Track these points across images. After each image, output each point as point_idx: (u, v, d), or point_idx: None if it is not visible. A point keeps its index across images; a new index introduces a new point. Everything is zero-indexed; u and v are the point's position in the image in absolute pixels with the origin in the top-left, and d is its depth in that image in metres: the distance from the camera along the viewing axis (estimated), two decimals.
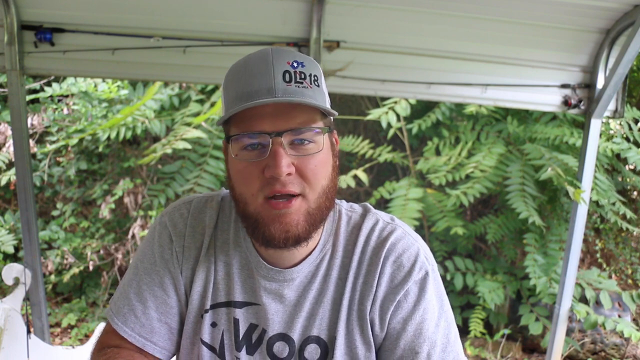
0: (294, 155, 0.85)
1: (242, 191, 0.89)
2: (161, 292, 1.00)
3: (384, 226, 1.00)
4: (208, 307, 0.99)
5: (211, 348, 0.99)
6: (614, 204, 3.43)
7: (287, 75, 0.86)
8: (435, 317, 0.95)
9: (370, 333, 0.95)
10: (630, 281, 4.37)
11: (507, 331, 3.82)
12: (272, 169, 0.83)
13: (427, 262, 0.97)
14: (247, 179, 0.86)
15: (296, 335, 0.96)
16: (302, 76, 0.87)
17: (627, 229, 3.59)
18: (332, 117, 0.94)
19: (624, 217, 3.58)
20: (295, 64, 0.87)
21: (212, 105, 3.56)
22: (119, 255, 4.11)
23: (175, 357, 1.06)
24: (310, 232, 0.89)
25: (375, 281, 0.95)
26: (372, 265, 0.96)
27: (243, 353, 0.97)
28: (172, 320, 1.01)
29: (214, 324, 0.99)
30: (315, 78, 0.89)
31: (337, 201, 1.02)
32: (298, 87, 0.85)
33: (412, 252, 0.97)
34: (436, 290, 0.97)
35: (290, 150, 0.85)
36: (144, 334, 0.99)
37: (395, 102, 3.43)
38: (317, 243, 0.98)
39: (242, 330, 0.98)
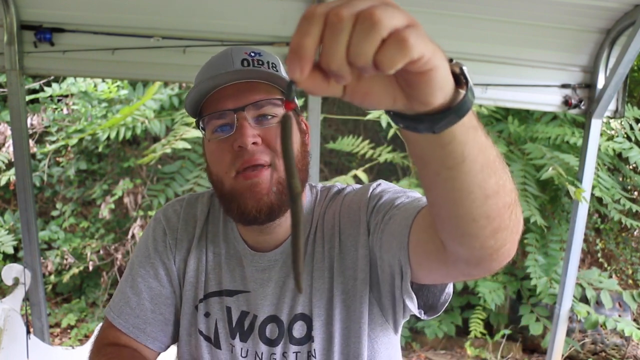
0: (259, 128, 0.91)
1: (216, 170, 0.94)
2: (156, 284, 1.03)
3: (337, 190, 1.04)
4: (202, 296, 1.02)
5: (207, 338, 1.01)
6: (618, 201, 3.43)
7: (245, 62, 0.95)
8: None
9: (356, 297, 0.94)
10: (630, 281, 4.37)
11: (507, 331, 3.82)
12: (239, 139, 0.88)
13: (375, 182, 0.99)
14: (219, 156, 0.92)
15: (284, 315, 0.98)
16: (260, 62, 0.95)
17: (631, 226, 3.58)
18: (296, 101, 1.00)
19: (627, 213, 3.58)
20: (252, 54, 0.96)
21: None
22: (119, 256, 4.11)
23: (176, 352, 1.07)
24: (282, 202, 0.91)
25: (337, 240, 0.96)
26: (333, 229, 0.98)
27: (237, 340, 1.00)
28: (166, 311, 1.04)
29: (207, 314, 1.02)
30: (273, 65, 0.97)
31: (314, 184, 1.08)
32: (256, 70, 0.94)
33: (360, 186, 1.01)
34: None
35: (256, 125, 0.91)
36: (138, 325, 1.02)
37: None
38: None
39: (234, 318, 1.00)
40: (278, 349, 0.97)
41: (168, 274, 1.04)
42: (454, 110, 0.50)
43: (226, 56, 0.96)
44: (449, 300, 0.90)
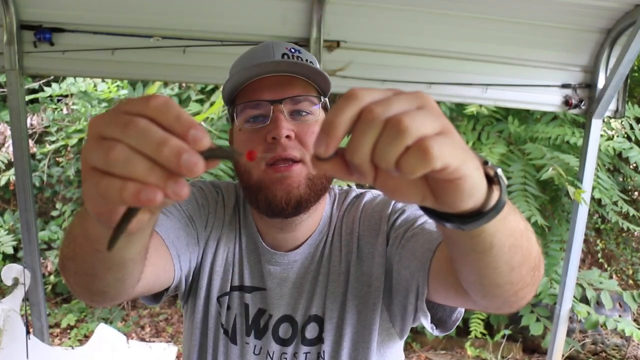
0: (293, 123, 0.90)
1: (245, 160, 0.92)
2: (185, 221, 0.96)
3: (356, 195, 1.04)
4: (228, 289, 1.00)
5: (225, 332, 1.01)
6: (615, 203, 3.42)
7: (285, 57, 0.95)
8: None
9: (369, 304, 0.94)
10: (631, 281, 4.37)
11: (507, 332, 3.82)
12: (274, 131, 0.87)
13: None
14: (250, 146, 0.90)
15: (299, 316, 0.98)
16: (300, 59, 0.95)
17: (629, 229, 3.58)
18: (327, 101, 0.99)
19: (625, 216, 3.57)
20: (293, 50, 0.97)
21: (212, 104, 3.55)
22: None
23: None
24: (310, 197, 0.91)
25: (355, 245, 0.96)
26: (351, 234, 0.98)
27: (252, 338, 0.99)
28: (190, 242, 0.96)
29: (228, 307, 1.00)
30: (312, 63, 0.96)
31: (332, 186, 1.07)
32: (299, 63, 0.94)
33: (381, 197, 0.99)
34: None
35: (290, 119, 0.90)
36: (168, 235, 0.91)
37: None
38: (318, 225, 1.00)
39: (251, 315, 1.00)
40: (290, 349, 0.97)
41: (196, 232, 0.96)
42: (484, 214, 0.50)
43: (267, 48, 0.96)
44: (460, 318, 0.90)
